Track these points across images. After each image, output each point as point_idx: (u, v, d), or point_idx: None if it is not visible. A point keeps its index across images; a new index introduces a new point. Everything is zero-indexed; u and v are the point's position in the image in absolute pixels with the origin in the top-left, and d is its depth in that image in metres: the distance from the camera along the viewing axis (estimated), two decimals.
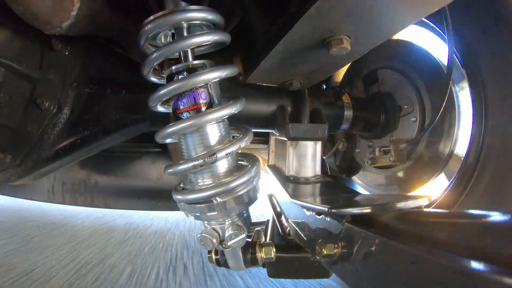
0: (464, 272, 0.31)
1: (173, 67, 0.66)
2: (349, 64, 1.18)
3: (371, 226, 0.49)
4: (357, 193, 0.74)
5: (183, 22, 0.64)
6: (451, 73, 0.81)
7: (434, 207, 0.86)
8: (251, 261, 0.74)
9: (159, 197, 1.74)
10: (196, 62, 0.66)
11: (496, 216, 0.38)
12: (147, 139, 1.46)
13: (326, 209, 0.52)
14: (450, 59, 0.79)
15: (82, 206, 1.70)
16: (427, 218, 0.45)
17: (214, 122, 0.66)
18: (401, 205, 0.50)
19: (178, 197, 0.68)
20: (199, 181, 0.68)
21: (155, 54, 0.64)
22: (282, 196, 0.92)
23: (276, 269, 0.78)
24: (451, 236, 0.38)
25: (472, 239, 0.36)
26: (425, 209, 0.49)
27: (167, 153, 1.45)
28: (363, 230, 0.47)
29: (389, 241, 0.42)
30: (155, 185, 1.73)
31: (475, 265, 0.30)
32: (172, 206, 1.68)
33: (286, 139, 0.87)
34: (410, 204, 0.51)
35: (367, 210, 0.49)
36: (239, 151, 0.69)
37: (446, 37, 0.86)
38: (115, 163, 1.71)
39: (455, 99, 0.92)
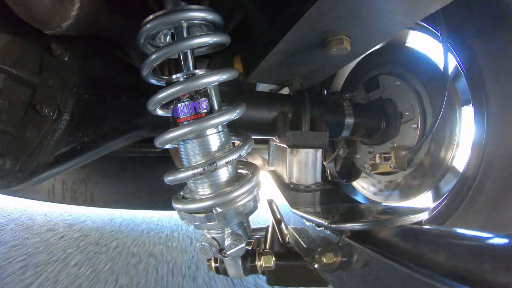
0: None
1: (174, 76, 0.65)
2: (350, 70, 1.18)
3: (369, 242, 0.49)
4: (357, 204, 0.74)
5: (182, 22, 0.63)
6: (447, 77, 0.81)
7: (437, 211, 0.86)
8: (251, 270, 0.75)
9: (159, 197, 1.74)
10: (197, 71, 0.65)
11: (496, 239, 0.37)
12: (148, 140, 1.46)
13: (326, 223, 0.52)
14: (446, 63, 0.79)
15: (82, 206, 1.71)
16: (425, 236, 0.45)
17: (214, 128, 0.65)
18: (401, 221, 0.50)
19: (178, 206, 0.68)
20: (199, 190, 0.68)
21: (154, 55, 0.63)
22: (282, 202, 0.92)
23: (276, 277, 0.78)
24: (448, 258, 0.38)
25: (470, 264, 0.35)
26: (425, 226, 0.49)
27: (167, 153, 1.45)
28: (361, 247, 0.47)
29: (386, 260, 0.42)
30: (155, 185, 1.73)
31: None
32: (172, 206, 1.69)
33: (286, 146, 0.87)
34: (410, 219, 0.51)
35: (366, 226, 0.49)
36: (239, 159, 0.69)
37: (447, 44, 0.86)
38: (115, 163, 1.72)
39: (457, 110, 0.92)
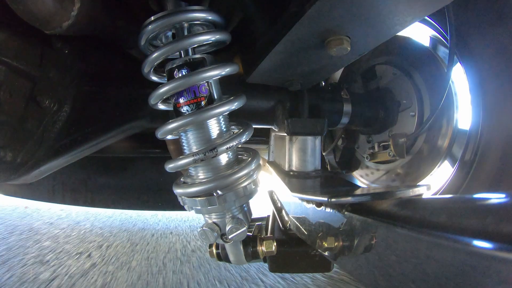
0: (466, 250, 0.32)
1: (173, 62, 0.66)
2: None
3: (371, 214, 0.49)
4: (357, 186, 0.75)
5: (183, 23, 0.64)
6: (452, 69, 0.81)
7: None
8: (252, 255, 0.74)
9: (159, 197, 1.74)
10: (196, 56, 0.66)
11: (495, 198, 0.38)
12: (148, 141, 1.47)
13: (326, 199, 0.53)
14: (451, 55, 0.80)
15: (82, 206, 1.70)
16: (426, 204, 0.46)
17: (214, 117, 0.66)
18: (401, 193, 0.50)
19: (178, 190, 0.68)
20: (199, 174, 0.68)
21: (155, 54, 0.64)
22: (283, 193, 0.92)
23: (277, 264, 0.78)
24: (451, 218, 0.38)
25: (472, 219, 0.36)
26: (424, 197, 0.49)
27: (167, 153, 1.45)
28: (364, 218, 0.47)
29: (390, 227, 0.43)
30: (155, 185, 1.73)
31: (477, 243, 0.30)
32: (172, 205, 1.69)
33: (285, 134, 0.88)
34: (409, 192, 0.51)
35: (366, 198, 0.49)
36: (240, 146, 0.70)
37: (444, 32, 0.87)
38: (115, 163, 1.72)
39: (454, 94, 0.93)
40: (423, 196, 0.53)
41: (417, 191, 0.52)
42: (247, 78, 0.83)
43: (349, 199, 0.50)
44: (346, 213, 0.51)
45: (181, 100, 0.65)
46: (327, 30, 0.59)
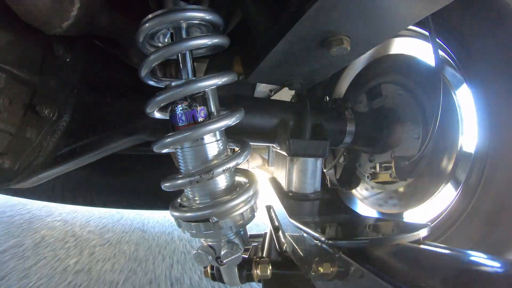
0: None
1: (173, 83, 0.65)
2: (353, 77, 1.17)
3: (367, 259, 0.48)
4: (356, 215, 0.74)
5: (181, 22, 0.63)
6: (440, 75, 0.80)
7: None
8: (247, 278, 0.74)
9: (159, 197, 1.74)
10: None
11: (494, 264, 0.37)
12: (147, 141, 1.46)
13: (323, 239, 0.52)
14: (437, 65, 0.78)
15: (82, 206, 1.71)
16: (423, 257, 0.45)
17: (211, 134, 0.65)
18: (399, 239, 0.49)
19: (175, 214, 0.67)
20: (196, 198, 0.68)
21: (152, 56, 0.63)
22: (281, 208, 0.91)
23: (272, 286, 0.77)
24: (445, 283, 0.37)
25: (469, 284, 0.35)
26: (423, 246, 0.48)
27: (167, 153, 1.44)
28: (357, 265, 0.46)
29: (381, 281, 0.42)
30: (155, 185, 1.73)
31: None
32: None
33: (286, 154, 0.86)
34: (408, 237, 0.50)
35: (363, 244, 0.48)
36: (237, 167, 0.69)
37: (451, 53, 0.85)
38: (115, 163, 1.72)
39: (456, 103, 0.90)
40: (422, 241, 0.52)
41: (416, 235, 0.51)
42: (247, 78, 0.82)
43: (345, 242, 0.49)
44: (341, 255, 0.50)
45: (180, 124, 0.64)
46: (327, 30, 0.59)
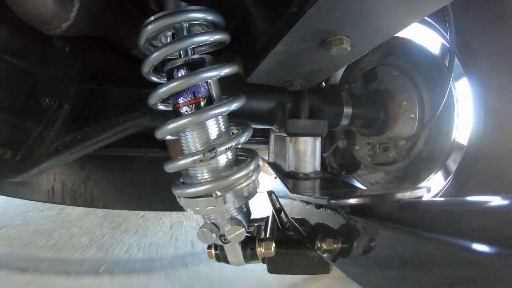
0: (466, 253, 0.31)
1: (173, 62, 0.66)
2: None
3: (370, 216, 0.49)
4: (357, 188, 0.74)
5: (183, 23, 0.64)
6: (452, 70, 0.81)
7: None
8: (251, 256, 0.74)
9: (159, 197, 1.74)
10: (195, 56, 0.66)
11: (496, 201, 0.38)
12: (148, 141, 1.46)
13: (325, 200, 0.52)
14: (451, 56, 0.79)
15: (81, 206, 1.70)
16: (426, 206, 0.45)
17: (213, 118, 0.66)
18: (400, 195, 0.50)
19: (177, 191, 0.68)
20: (198, 175, 0.68)
21: (155, 54, 0.64)
22: (282, 194, 0.92)
23: (276, 265, 0.77)
24: (451, 221, 0.38)
25: (472, 222, 0.36)
26: (424, 199, 0.49)
27: (166, 153, 1.45)
28: (363, 220, 0.47)
29: (389, 229, 0.42)
30: (155, 185, 1.73)
31: (477, 246, 0.30)
32: (172, 206, 1.69)
33: (285, 135, 0.87)
34: (409, 194, 0.51)
35: (366, 200, 0.49)
36: (239, 147, 0.69)
37: (444, 33, 0.87)
38: (115, 164, 1.72)
39: (454, 95, 0.92)
40: (423, 199, 0.52)
41: (417, 193, 0.52)
42: (247, 78, 0.83)
43: (348, 201, 0.50)
44: (345, 214, 0.51)
45: (180, 101, 0.65)
46: (327, 30, 0.59)
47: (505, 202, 0.36)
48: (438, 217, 0.40)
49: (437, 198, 0.49)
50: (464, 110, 0.90)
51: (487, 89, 0.79)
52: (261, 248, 0.74)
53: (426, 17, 0.91)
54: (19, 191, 1.64)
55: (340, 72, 1.17)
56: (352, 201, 0.50)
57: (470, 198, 0.41)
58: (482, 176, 0.78)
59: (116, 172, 1.74)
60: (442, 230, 0.38)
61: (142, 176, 1.77)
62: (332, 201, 0.51)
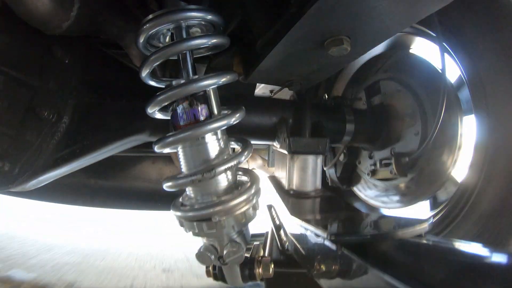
0: None
1: (173, 82, 0.65)
2: (351, 75, 1.17)
3: (369, 254, 0.49)
4: (357, 212, 0.74)
5: (182, 22, 0.63)
6: (446, 80, 0.80)
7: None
8: (249, 277, 0.74)
9: (159, 198, 1.74)
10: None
11: (496, 257, 0.37)
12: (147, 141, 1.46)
13: (325, 235, 0.52)
14: (443, 65, 0.78)
15: (81, 206, 1.70)
16: (425, 251, 0.45)
17: (213, 133, 0.65)
18: (401, 234, 0.49)
19: (177, 213, 0.67)
20: (198, 197, 0.68)
21: (153, 56, 0.62)
22: (282, 207, 0.91)
23: (274, 285, 0.78)
24: (448, 275, 0.38)
25: (468, 283, 0.35)
26: (424, 241, 0.48)
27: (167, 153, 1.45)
28: (360, 260, 0.46)
29: (384, 275, 0.42)
30: (155, 186, 1.73)
31: None
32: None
33: (286, 152, 0.86)
34: (409, 232, 0.50)
35: (365, 239, 0.48)
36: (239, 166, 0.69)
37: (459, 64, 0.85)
38: (115, 164, 1.71)
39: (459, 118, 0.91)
40: (424, 236, 0.52)
41: (418, 230, 0.51)
42: (247, 78, 0.82)
43: (347, 238, 0.49)
44: (344, 251, 0.50)
45: (181, 123, 0.64)
46: (327, 30, 0.59)
47: (507, 259, 0.36)
48: (436, 266, 0.40)
49: (438, 241, 0.49)
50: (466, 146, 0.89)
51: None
52: (260, 269, 0.74)
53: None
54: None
55: (343, 83, 1.16)
56: (351, 238, 0.49)
57: (472, 248, 0.40)
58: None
59: (117, 172, 1.75)
60: (438, 281, 0.37)
61: (142, 176, 1.77)
62: (332, 238, 0.50)
